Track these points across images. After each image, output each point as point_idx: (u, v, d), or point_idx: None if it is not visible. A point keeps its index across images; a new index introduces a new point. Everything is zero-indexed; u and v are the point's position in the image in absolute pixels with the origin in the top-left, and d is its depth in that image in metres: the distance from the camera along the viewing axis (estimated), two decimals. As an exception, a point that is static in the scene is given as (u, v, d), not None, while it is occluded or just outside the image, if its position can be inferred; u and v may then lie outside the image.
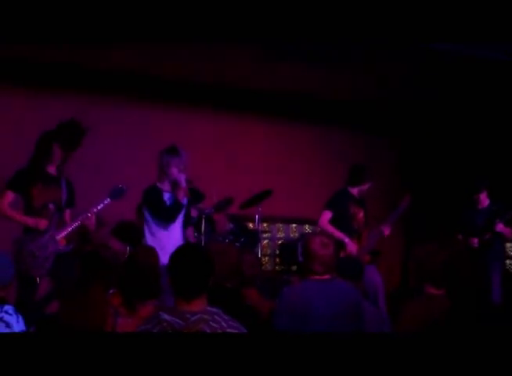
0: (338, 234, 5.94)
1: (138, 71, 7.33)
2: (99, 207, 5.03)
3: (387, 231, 6.15)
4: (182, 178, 5.15)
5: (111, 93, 7.42)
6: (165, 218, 5.15)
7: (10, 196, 5.03)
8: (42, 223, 4.98)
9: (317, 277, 3.76)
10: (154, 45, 6.21)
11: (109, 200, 5.05)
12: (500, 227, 6.37)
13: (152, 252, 3.95)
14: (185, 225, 5.38)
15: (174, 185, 5.15)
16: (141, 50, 6.51)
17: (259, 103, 8.22)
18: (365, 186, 6.17)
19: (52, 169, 5.12)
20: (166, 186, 5.21)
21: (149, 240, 5.25)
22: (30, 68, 6.94)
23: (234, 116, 8.13)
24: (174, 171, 5.15)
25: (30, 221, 4.99)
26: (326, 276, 3.77)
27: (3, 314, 3.28)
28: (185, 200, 5.26)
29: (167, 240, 5.13)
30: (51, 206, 5.04)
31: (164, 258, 3.34)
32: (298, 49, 6.53)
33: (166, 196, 5.19)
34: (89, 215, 5.01)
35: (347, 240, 5.94)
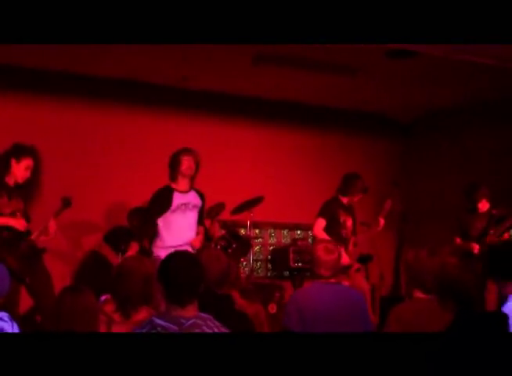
0: None
1: (130, 78, 7.36)
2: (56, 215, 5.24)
3: (381, 222, 6.23)
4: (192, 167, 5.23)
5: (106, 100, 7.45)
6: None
7: None
8: (22, 223, 5.08)
9: (323, 281, 4.00)
10: (147, 52, 6.22)
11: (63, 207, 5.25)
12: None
13: (143, 260, 3.97)
14: (199, 222, 5.45)
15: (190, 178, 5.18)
16: (134, 57, 6.54)
17: (251, 109, 8.25)
18: (357, 197, 6.19)
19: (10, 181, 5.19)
20: (180, 186, 5.20)
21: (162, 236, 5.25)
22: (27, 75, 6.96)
23: (226, 121, 8.15)
24: (185, 165, 5.21)
25: (11, 221, 5.05)
26: (333, 280, 4.02)
27: (-2, 320, 3.27)
28: (198, 201, 5.29)
29: (180, 234, 5.18)
30: (18, 214, 5.14)
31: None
32: (293, 56, 6.55)
33: (177, 196, 5.19)
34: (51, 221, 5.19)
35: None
